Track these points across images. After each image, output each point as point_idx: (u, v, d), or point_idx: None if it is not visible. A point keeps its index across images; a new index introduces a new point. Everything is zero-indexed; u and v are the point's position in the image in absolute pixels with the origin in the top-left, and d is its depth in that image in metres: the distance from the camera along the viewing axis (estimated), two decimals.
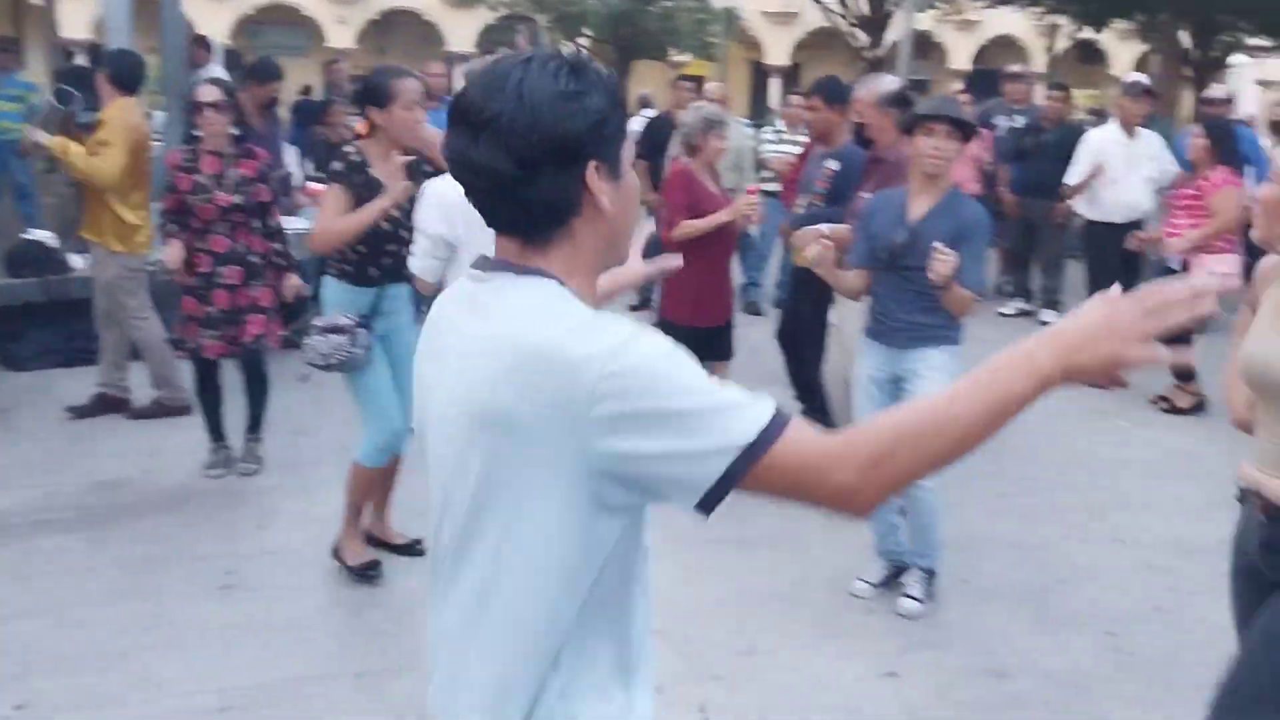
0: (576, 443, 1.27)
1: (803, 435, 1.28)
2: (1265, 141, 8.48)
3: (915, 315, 3.81)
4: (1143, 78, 8.39)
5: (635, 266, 1.98)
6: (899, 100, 4.90)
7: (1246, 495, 2.35)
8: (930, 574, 4.01)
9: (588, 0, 26.13)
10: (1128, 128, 7.54)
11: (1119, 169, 7.28)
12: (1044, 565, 4.38)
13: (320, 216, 3.88)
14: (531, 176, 1.34)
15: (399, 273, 3.91)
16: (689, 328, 4.78)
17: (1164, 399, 6.44)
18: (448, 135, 1.40)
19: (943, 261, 3.55)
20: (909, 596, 3.95)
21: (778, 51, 39.75)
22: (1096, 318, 1.31)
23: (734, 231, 5.18)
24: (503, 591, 1.37)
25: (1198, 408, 6.35)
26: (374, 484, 4.10)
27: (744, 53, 38.90)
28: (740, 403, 1.27)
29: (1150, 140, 7.61)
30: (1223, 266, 5.78)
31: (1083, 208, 7.87)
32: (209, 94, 4.78)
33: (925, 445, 1.29)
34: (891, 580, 4.08)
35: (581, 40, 28.61)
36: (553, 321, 1.31)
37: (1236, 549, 2.39)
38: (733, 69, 30.81)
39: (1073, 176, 7.63)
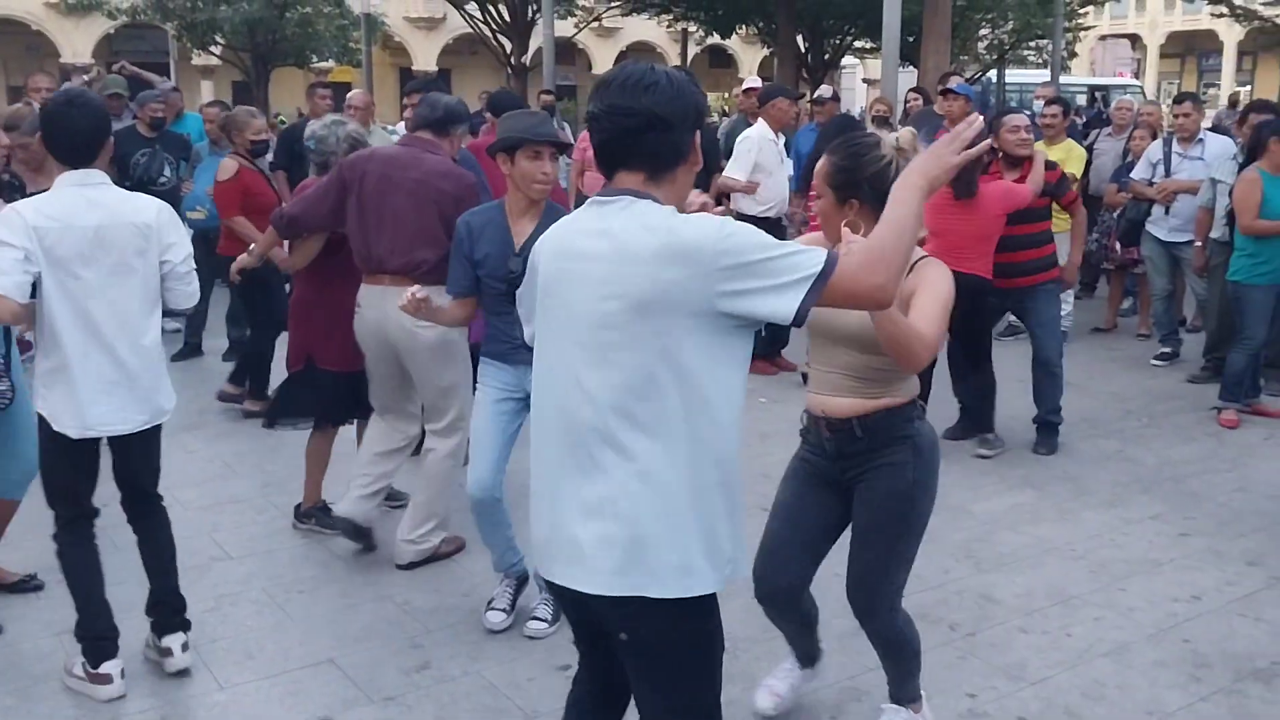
0: (709, 292, 1.97)
1: (842, 263, 2.01)
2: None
3: None
4: (756, 80, 8.99)
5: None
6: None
7: (813, 419, 3.00)
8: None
9: (219, 8, 24.73)
10: (779, 128, 7.71)
11: (773, 165, 7.56)
12: None
13: None
14: (671, 126, 2.08)
15: None
16: (345, 373, 4.53)
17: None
18: (598, 96, 2.11)
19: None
20: (536, 619, 3.83)
21: (425, 57, 39.46)
22: (926, 155, 2.24)
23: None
24: (697, 417, 2.03)
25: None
26: (9, 517, 3.93)
27: (391, 59, 38.32)
28: (803, 250, 2.01)
29: (798, 141, 8.04)
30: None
31: (746, 204, 8.03)
32: None
33: (898, 244, 2.06)
34: (518, 593, 3.95)
35: (214, 50, 27.13)
36: (675, 224, 2.02)
37: (807, 456, 3.08)
38: (379, 75, 30.26)
39: (736, 172, 7.64)
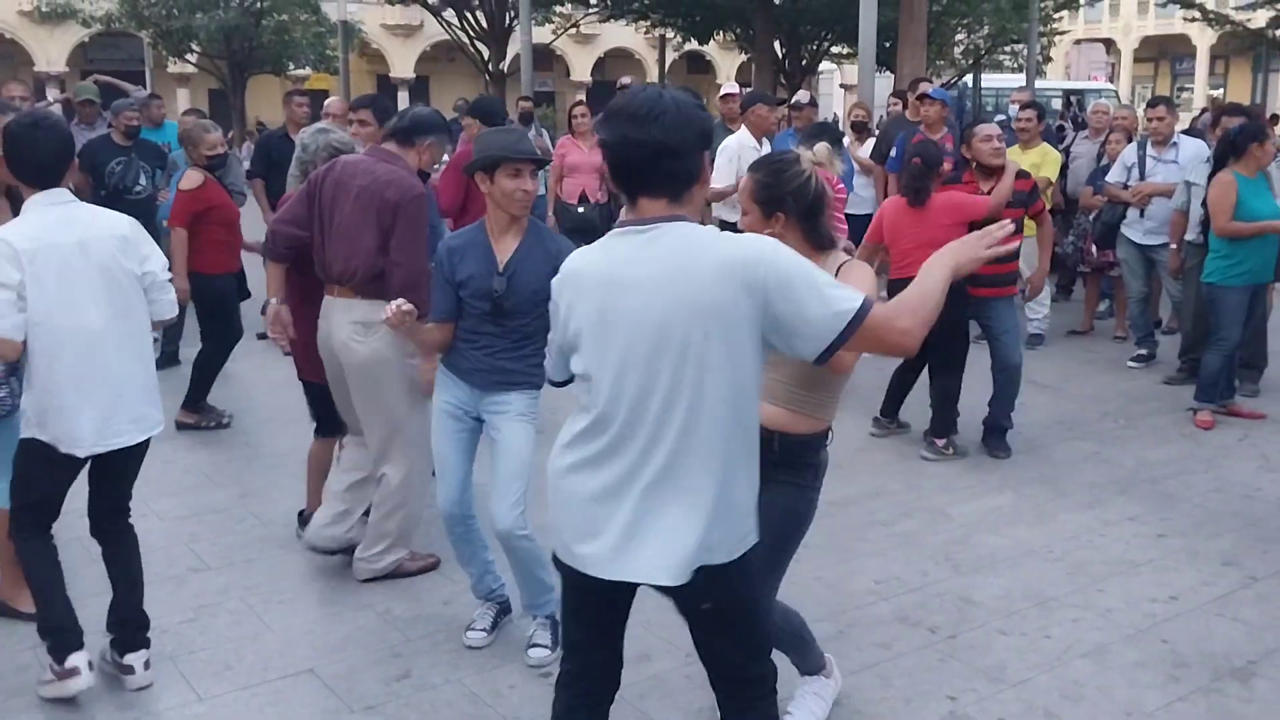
0: (757, 307, 2.18)
1: (877, 307, 2.21)
2: (847, 139, 9.42)
3: (503, 360, 3.64)
4: (734, 86, 9.01)
5: None
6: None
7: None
8: (553, 621, 3.72)
9: (194, 16, 24.64)
10: (760, 135, 7.68)
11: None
12: None
13: None
14: (680, 154, 2.24)
15: None
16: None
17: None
18: (609, 125, 2.25)
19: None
20: (537, 645, 3.71)
21: (402, 64, 39.40)
22: (961, 244, 2.43)
23: None
24: (743, 412, 2.29)
25: None
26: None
27: (368, 66, 38.25)
28: (843, 287, 2.22)
29: (777, 147, 7.96)
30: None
31: (725, 211, 8.02)
32: None
33: (924, 303, 2.29)
34: (500, 618, 3.90)
35: (190, 58, 27.02)
36: (725, 243, 2.23)
37: None
38: (357, 82, 30.15)
39: (719, 182, 7.63)
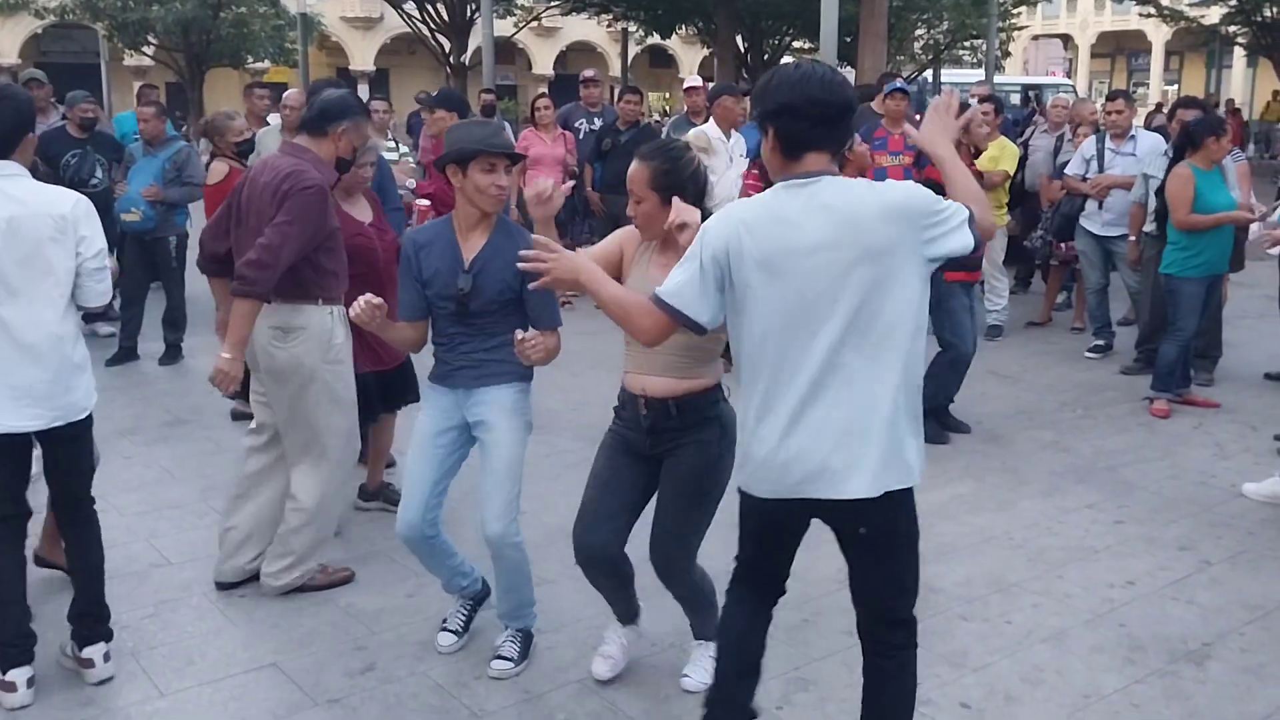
0: (918, 243, 2.54)
1: (972, 210, 2.63)
2: None
3: (480, 355, 3.49)
4: (698, 80, 9.03)
5: None
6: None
7: (630, 396, 3.25)
8: (526, 635, 3.66)
9: (151, 8, 24.29)
10: (727, 127, 7.62)
11: (720, 166, 7.37)
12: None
13: None
14: (851, 114, 2.63)
15: None
16: (371, 373, 4.57)
17: None
18: (790, 90, 2.60)
19: (533, 347, 3.19)
20: (501, 658, 3.58)
21: (362, 57, 39.10)
22: (935, 129, 2.84)
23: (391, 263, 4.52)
24: (911, 346, 2.57)
25: None
26: None
27: (328, 59, 37.93)
28: (951, 204, 2.62)
29: (739, 143, 7.74)
30: None
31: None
32: None
33: (980, 193, 2.77)
34: (473, 616, 3.82)
35: (147, 51, 26.66)
36: (885, 190, 2.59)
37: (622, 427, 3.33)
38: (316, 75, 29.89)
39: None
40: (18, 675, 3.34)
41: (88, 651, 3.47)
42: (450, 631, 3.75)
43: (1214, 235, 6.33)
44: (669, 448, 3.26)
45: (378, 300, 3.32)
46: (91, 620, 3.51)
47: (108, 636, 3.54)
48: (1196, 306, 6.42)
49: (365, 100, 8.43)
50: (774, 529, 2.82)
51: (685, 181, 3.16)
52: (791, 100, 2.57)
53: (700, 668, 3.46)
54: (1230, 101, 28.74)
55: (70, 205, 3.32)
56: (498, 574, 3.57)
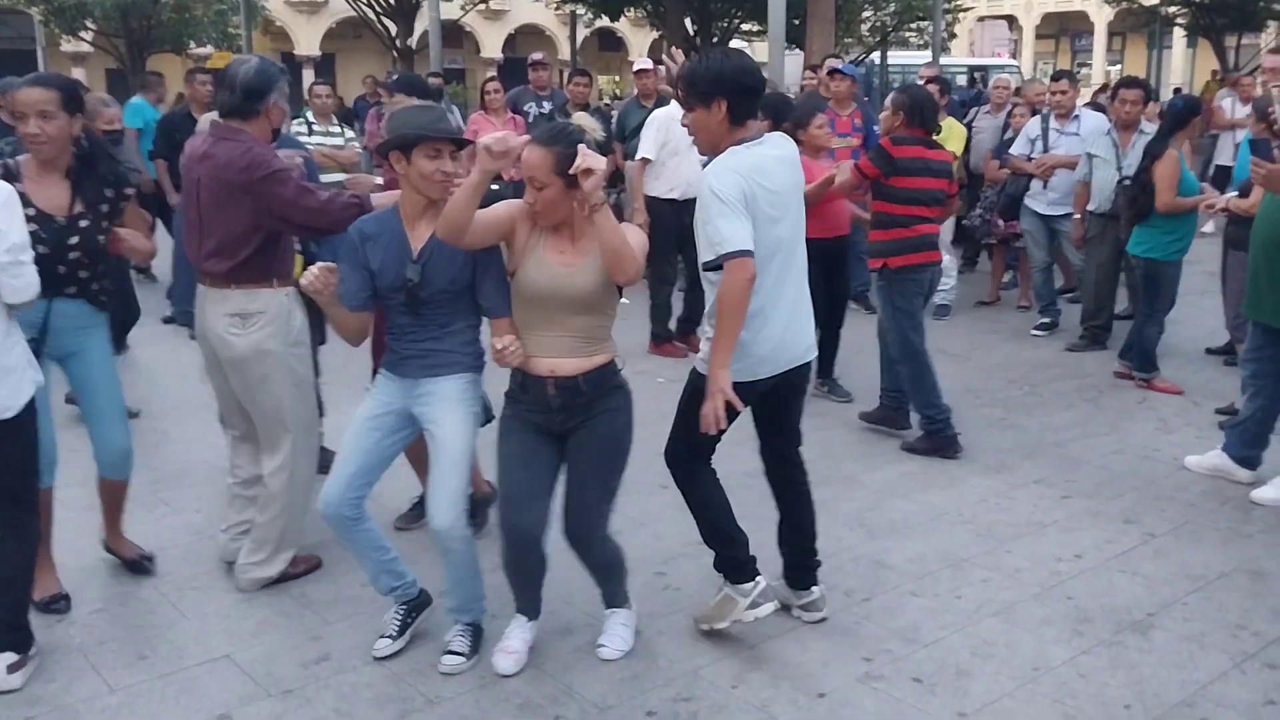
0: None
1: None
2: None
3: (428, 344, 3.46)
4: (648, 62, 8.99)
5: None
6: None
7: (534, 380, 3.35)
8: (476, 629, 3.62)
9: None
10: None
11: (682, 147, 7.14)
12: None
13: None
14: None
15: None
16: None
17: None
18: (751, 73, 3.41)
19: (512, 354, 3.32)
20: (452, 652, 3.53)
21: (307, 42, 38.53)
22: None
23: None
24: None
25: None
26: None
27: (272, 44, 37.34)
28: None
29: None
30: None
31: (651, 185, 7.83)
32: None
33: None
34: (410, 620, 3.69)
35: (85, 36, 26.10)
36: (783, 143, 3.56)
37: (526, 410, 3.40)
38: None
39: (645, 151, 7.46)
40: None
41: None
42: (385, 637, 3.64)
43: (1190, 217, 6.48)
44: (581, 421, 3.38)
45: (330, 265, 3.31)
46: (3, 627, 3.40)
47: (17, 646, 3.43)
48: (1175, 289, 6.57)
49: (310, 85, 8.35)
50: (766, 398, 3.62)
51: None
52: (744, 80, 3.35)
53: (616, 636, 3.62)
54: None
55: None
56: (447, 568, 3.51)
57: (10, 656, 3.39)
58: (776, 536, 3.85)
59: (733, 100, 3.33)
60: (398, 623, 3.68)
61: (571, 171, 3.13)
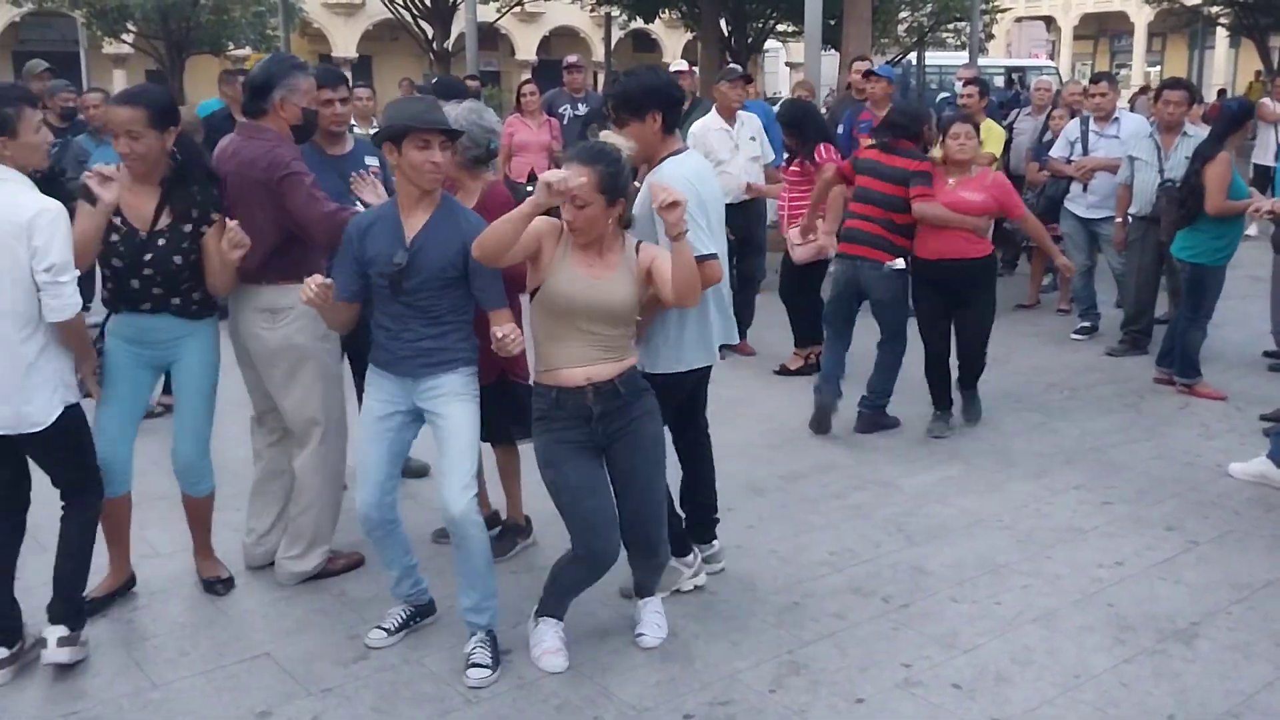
0: None
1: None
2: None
3: (425, 343, 3.47)
4: (683, 64, 8.99)
5: None
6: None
7: (572, 391, 3.37)
8: (492, 637, 3.54)
9: None
10: (727, 114, 7.31)
11: (723, 154, 7.11)
12: None
13: None
14: None
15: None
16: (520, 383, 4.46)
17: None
18: (675, 87, 3.83)
19: (513, 341, 3.37)
20: (477, 665, 3.45)
21: (344, 43, 38.85)
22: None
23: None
24: None
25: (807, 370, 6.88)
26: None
27: (310, 45, 37.66)
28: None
29: (750, 121, 7.46)
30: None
31: None
32: None
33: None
34: (410, 622, 3.75)
35: (126, 38, 26.43)
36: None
37: (564, 429, 3.41)
38: None
39: None
40: None
41: (46, 630, 3.47)
42: (383, 629, 3.69)
43: (1237, 222, 6.38)
44: (621, 427, 3.43)
45: (327, 281, 3.37)
46: (57, 600, 3.51)
47: (69, 620, 3.49)
48: (1219, 293, 6.48)
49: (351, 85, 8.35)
50: (694, 387, 3.91)
51: (626, 182, 3.34)
52: (673, 93, 3.73)
53: (653, 624, 3.69)
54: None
55: (31, 214, 3.24)
56: (460, 563, 3.50)
57: (61, 630, 3.46)
58: (679, 497, 4.09)
59: (665, 112, 3.66)
60: (399, 620, 3.74)
61: (655, 206, 3.27)
